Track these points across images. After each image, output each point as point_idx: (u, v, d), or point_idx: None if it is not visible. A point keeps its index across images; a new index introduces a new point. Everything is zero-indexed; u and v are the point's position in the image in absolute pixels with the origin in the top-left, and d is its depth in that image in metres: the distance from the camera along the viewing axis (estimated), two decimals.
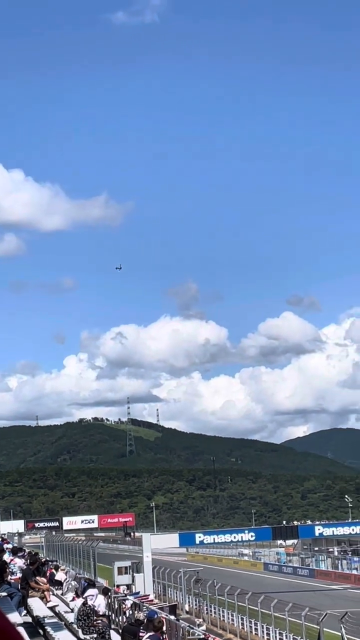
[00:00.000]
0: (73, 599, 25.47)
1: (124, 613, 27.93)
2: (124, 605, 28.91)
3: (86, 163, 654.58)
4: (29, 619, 20.98)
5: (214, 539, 70.11)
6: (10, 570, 27.41)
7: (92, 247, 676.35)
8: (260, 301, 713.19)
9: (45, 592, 24.56)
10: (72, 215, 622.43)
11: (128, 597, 31.83)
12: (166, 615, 25.93)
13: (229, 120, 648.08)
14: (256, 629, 42.67)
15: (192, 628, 24.89)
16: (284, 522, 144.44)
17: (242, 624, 44.82)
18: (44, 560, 39.68)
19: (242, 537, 70.82)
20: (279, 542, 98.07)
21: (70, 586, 29.36)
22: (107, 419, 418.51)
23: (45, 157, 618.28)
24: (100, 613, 23.86)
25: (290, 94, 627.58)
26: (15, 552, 30.43)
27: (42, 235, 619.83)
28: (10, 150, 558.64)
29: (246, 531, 73.31)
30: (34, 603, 22.55)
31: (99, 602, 24.74)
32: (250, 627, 43.49)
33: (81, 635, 20.56)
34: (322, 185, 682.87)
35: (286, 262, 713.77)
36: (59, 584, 32.11)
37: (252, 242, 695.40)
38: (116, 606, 29.69)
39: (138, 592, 47.75)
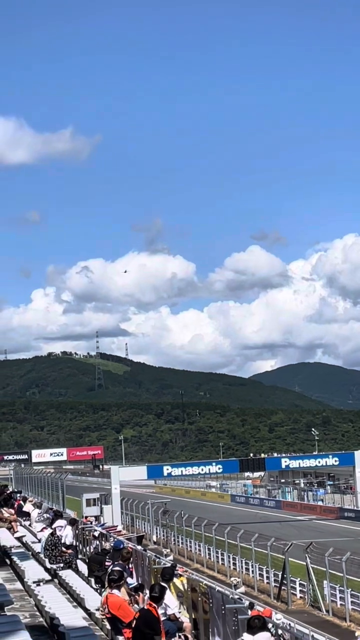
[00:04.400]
0: (42, 530, 25.51)
1: (91, 543, 28.05)
2: (91, 536, 29.02)
3: (51, 96, 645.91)
4: None
5: (181, 471, 70.69)
6: None
7: (59, 181, 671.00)
8: (226, 236, 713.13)
9: (13, 523, 24.59)
10: (38, 149, 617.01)
11: (96, 528, 31.93)
12: (133, 546, 26.04)
13: (196, 50, 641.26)
14: (223, 559, 43.19)
15: (159, 558, 25.01)
16: (251, 454, 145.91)
17: (209, 554, 45.37)
18: (11, 491, 39.81)
19: (209, 469, 71.34)
20: (246, 474, 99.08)
21: (42, 518, 29.40)
22: (75, 353, 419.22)
23: (9, 90, 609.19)
24: (68, 544, 23.93)
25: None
26: None
27: (7, 169, 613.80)
28: None
29: (213, 463, 73.87)
30: (1, 533, 22.58)
31: (67, 533, 24.81)
32: (217, 557, 44.02)
33: (48, 565, 20.61)
34: (290, 118, 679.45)
35: (252, 197, 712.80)
36: (27, 515, 32.20)
37: (218, 176, 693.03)
38: (84, 537, 29.82)
39: (105, 523, 48.03)
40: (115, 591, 14.34)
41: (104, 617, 14.47)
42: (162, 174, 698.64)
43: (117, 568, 16.24)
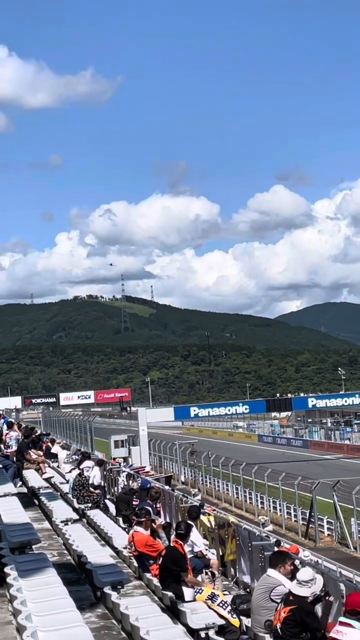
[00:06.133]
0: (70, 471, 25.69)
1: (119, 483, 28.27)
2: (120, 477, 29.25)
3: (72, 37, 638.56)
4: (24, 490, 21.13)
5: (208, 412, 70.88)
6: (6, 443, 27.61)
7: (80, 124, 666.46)
8: (249, 176, 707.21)
9: (41, 465, 24.74)
10: (59, 92, 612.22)
11: (124, 468, 32.17)
12: (161, 486, 26.23)
13: None
14: (250, 498, 43.51)
15: (187, 497, 25.16)
16: (278, 395, 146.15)
17: (237, 493, 45.70)
18: (39, 434, 40.05)
19: (236, 410, 71.58)
20: (273, 414, 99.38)
21: (70, 460, 29.59)
22: (101, 296, 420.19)
23: (29, 32, 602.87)
24: (96, 484, 24.09)
25: None
26: (10, 426, 30.54)
27: (28, 113, 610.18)
28: None
29: (240, 404, 74.04)
30: (30, 475, 22.70)
31: (95, 474, 24.97)
32: (245, 496, 44.36)
33: (76, 505, 20.76)
34: (315, 62, 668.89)
35: (275, 136, 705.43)
36: (55, 456, 32.42)
37: (241, 116, 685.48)
38: (112, 477, 30.06)
39: (134, 464, 48.41)
40: (141, 529, 14.42)
41: (131, 554, 14.57)
42: (184, 115, 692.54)
43: (146, 506, 16.36)
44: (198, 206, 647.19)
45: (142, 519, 14.63)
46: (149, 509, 16.21)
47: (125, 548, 15.41)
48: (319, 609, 11.93)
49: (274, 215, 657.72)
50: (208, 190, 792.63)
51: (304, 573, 11.03)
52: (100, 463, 27.21)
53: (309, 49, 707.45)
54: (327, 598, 11.84)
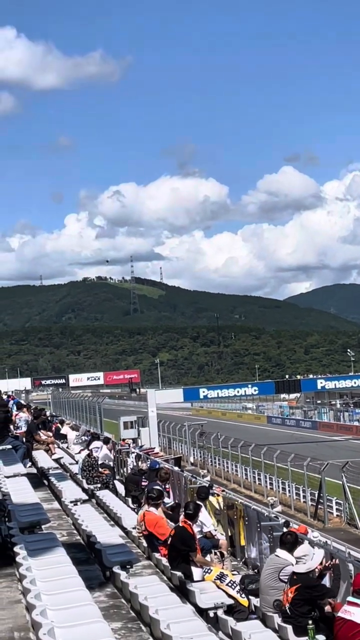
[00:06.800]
0: (80, 452, 25.77)
1: (128, 465, 28.36)
2: (129, 458, 29.33)
3: (80, 18, 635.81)
4: (33, 470, 21.22)
5: (217, 393, 70.91)
6: (16, 424, 27.71)
7: (89, 105, 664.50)
8: (258, 158, 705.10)
9: (50, 445, 24.82)
10: (67, 73, 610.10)
11: (134, 449, 32.25)
12: (170, 467, 26.27)
13: None
14: (259, 480, 43.60)
15: (196, 478, 25.21)
16: (287, 376, 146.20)
17: (246, 474, 45.80)
18: (49, 415, 40.19)
19: (245, 391, 71.55)
20: (282, 396, 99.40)
21: (80, 440, 29.66)
22: (110, 278, 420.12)
23: (38, 14, 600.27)
24: (105, 464, 24.16)
25: None
26: (20, 407, 30.64)
27: (37, 94, 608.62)
28: (0, 6, 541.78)
29: (249, 386, 74.03)
30: (39, 455, 22.79)
31: (104, 454, 25.05)
32: (254, 477, 44.44)
33: (85, 485, 20.82)
34: (325, 42, 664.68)
35: (284, 118, 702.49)
36: (64, 437, 32.51)
37: (251, 97, 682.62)
38: (121, 458, 30.15)
39: (143, 446, 48.51)
40: (152, 509, 14.46)
41: (141, 534, 14.62)
42: (193, 96, 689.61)
43: (156, 487, 16.40)
44: (207, 188, 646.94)
45: (158, 501, 14.70)
46: (162, 490, 16.28)
47: (134, 528, 15.47)
48: (327, 581, 12.00)
49: (283, 196, 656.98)
50: (217, 172, 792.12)
51: (299, 550, 11.13)
52: (106, 441, 27.31)
53: (321, 29, 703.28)
54: (331, 567, 11.92)
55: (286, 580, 10.99)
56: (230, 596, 11.56)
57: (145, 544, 14.45)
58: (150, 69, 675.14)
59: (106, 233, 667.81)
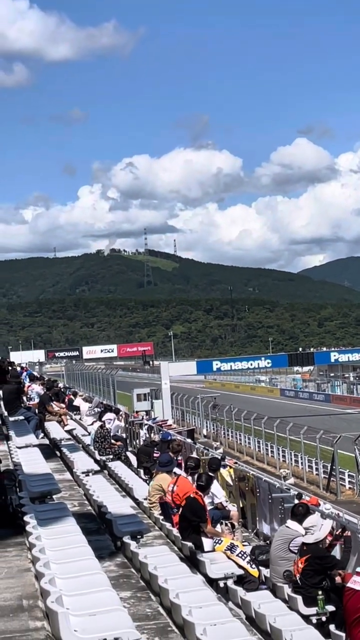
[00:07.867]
0: (92, 424, 25.84)
1: (141, 436, 28.43)
2: (141, 430, 29.40)
3: None
4: (46, 441, 21.31)
5: (230, 366, 70.84)
6: (29, 396, 27.82)
7: (102, 77, 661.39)
8: (272, 130, 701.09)
9: (63, 417, 24.90)
10: (80, 44, 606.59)
11: (147, 421, 32.29)
12: (183, 439, 26.32)
13: None
14: (272, 452, 43.66)
15: (209, 450, 25.27)
16: (300, 349, 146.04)
17: (259, 446, 45.86)
18: (62, 387, 40.31)
19: (258, 364, 71.44)
20: (296, 368, 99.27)
21: (92, 412, 29.78)
22: (124, 250, 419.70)
23: None
24: (117, 436, 24.24)
25: None
26: (32, 379, 30.79)
27: (50, 65, 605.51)
28: None
29: (262, 358, 74.00)
30: (52, 427, 22.87)
31: (116, 425, 25.13)
32: (267, 449, 44.50)
33: (97, 457, 20.90)
34: (339, 13, 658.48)
35: (298, 89, 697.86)
36: (77, 409, 32.60)
37: (264, 69, 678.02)
38: (134, 430, 30.25)
39: (157, 418, 48.61)
40: (190, 478, 14.66)
41: (156, 502, 14.69)
42: (207, 68, 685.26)
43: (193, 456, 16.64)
44: (220, 160, 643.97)
45: (195, 470, 14.97)
46: (198, 459, 16.61)
47: (145, 499, 15.51)
48: (337, 552, 12.02)
49: (297, 168, 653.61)
50: (231, 144, 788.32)
51: (308, 521, 11.15)
52: (116, 412, 27.40)
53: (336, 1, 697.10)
54: (341, 537, 11.94)
55: (296, 551, 11.01)
56: (240, 567, 11.59)
57: (156, 514, 14.50)
58: (164, 40, 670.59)
59: (119, 205, 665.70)
